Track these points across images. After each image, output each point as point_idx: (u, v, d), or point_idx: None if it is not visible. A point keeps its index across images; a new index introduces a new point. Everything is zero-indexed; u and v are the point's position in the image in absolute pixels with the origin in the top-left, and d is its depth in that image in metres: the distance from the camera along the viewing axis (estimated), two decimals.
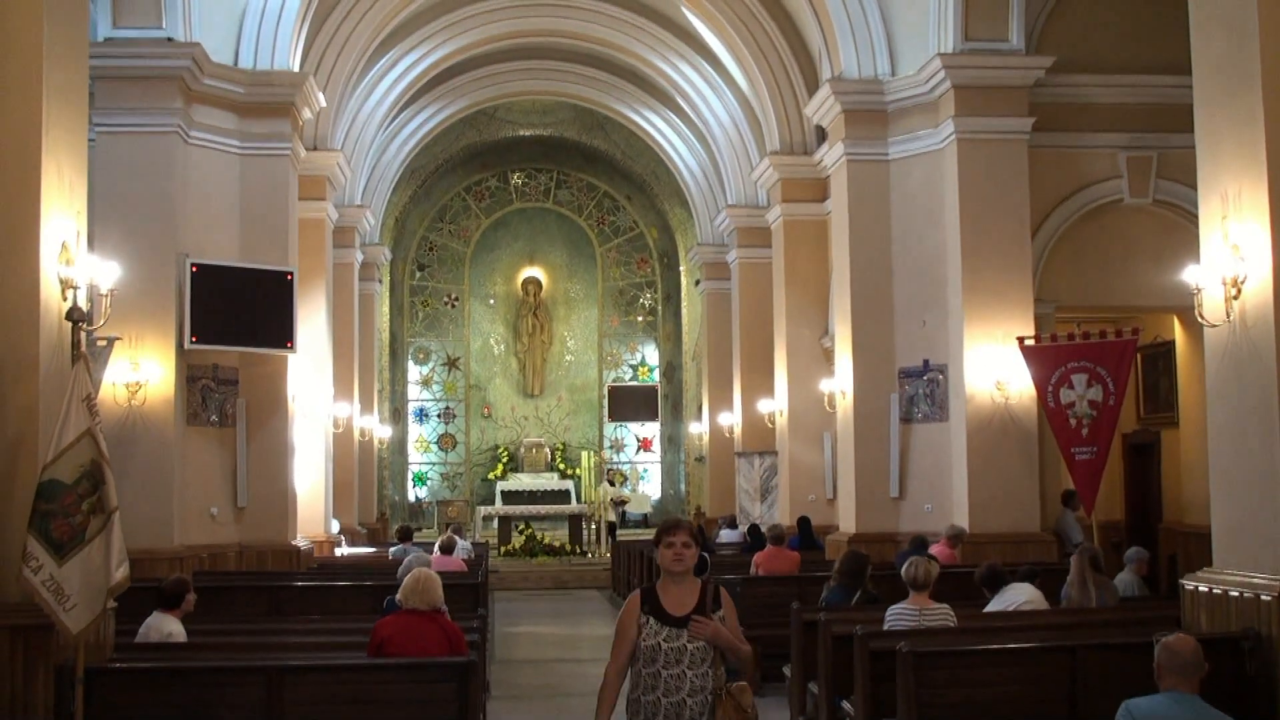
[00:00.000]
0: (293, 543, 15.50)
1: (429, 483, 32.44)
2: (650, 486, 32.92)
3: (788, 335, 20.15)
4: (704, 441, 27.83)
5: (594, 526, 26.66)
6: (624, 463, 32.95)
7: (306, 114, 16.44)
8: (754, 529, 18.03)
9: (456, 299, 32.70)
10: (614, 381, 32.68)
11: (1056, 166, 15.27)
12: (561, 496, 29.30)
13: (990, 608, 9.52)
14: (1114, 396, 13.60)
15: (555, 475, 30.95)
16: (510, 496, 29.39)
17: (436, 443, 32.64)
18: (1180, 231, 14.61)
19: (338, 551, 18.42)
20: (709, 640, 5.32)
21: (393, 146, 25.57)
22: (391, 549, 17.20)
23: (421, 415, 32.67)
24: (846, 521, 16.45)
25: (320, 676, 7.50)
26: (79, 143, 8.52)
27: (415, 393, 32.66)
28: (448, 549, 14.97)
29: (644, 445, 33.08)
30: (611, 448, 32.77)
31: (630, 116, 27.19)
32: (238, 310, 14.52)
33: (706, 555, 12.95)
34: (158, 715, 7.32)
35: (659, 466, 33.00)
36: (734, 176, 24.05)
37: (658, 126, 26.89)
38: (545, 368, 32.70)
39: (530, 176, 32.78)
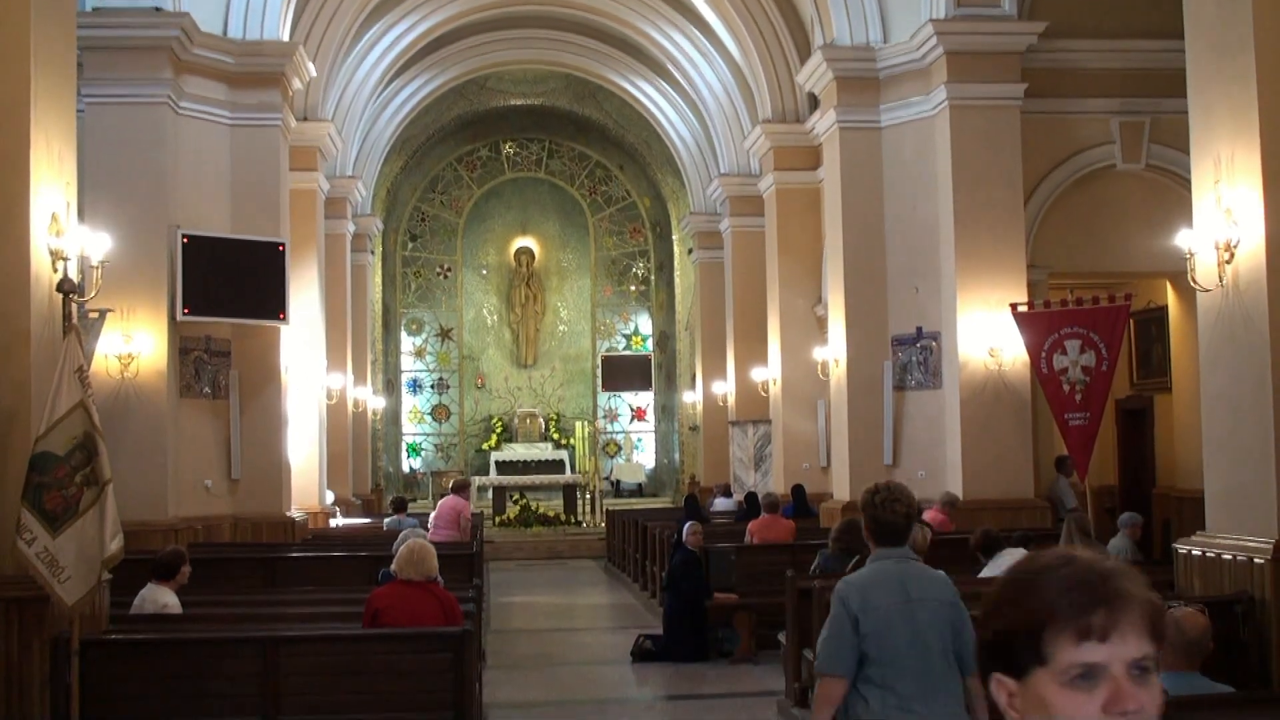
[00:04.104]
0: (287, 514, 15.52)
1: (423, 454, 32.43)
2: (644, 456, 32.95)
3: (781, 304, 20.10)
4: (698, 410, 27.84)
5: (588, 496, 26.70)
6: (618, 432, 32.97)
7: (297, 84, 16.35)
8: (751, 497, 18.04)
9: (449, 270, 32.62)
10: (607, 351, 32.68)
11: (1049, 132, 15.20)
12: (556, 466, 29.33)
13: (985, 574, 9.54)
14: (1107, 362, 13.57)
15: (549, 445, 30.98)
16: (504, 467, 29.43)
17: (430, 413, 32.62)
18: (1173, 196, 14.57)
19: (332, 523, 18.44)
20: None
21: (384, 117, 25.44)
22: (386, 520, 17.22)
23: (415, 386, 32.64)
24: (840, 489, 16.49)
25: (315, 647, 7.53)
26: (68, 114, 8.49)
27: (409, 364, 32.62)
28: (460, 489, 15.33)
29: (638, 415, 33.08)
30: (605, 417, 32.79)
31: (622, 85, 27.04)
32: (230, 281, 14.47)
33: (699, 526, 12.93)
34: (153, 686, 7.34)
35: (653, 436, 33.02)
36: (726, 145, 23.95)
37: (649, 95, 26.75)
38: (538, 338, 32.66)
39: (522, 146, 32.66)
